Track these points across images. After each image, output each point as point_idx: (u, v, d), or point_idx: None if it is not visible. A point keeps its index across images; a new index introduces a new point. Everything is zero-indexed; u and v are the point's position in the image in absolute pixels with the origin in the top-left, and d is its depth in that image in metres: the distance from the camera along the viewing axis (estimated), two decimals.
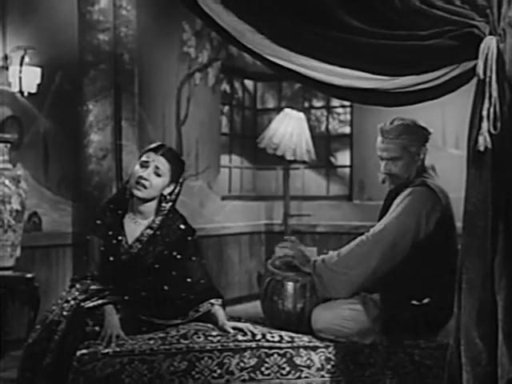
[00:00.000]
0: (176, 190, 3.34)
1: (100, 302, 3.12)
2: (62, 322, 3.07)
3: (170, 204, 3.33)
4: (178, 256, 3.31)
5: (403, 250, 3.18)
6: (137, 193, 3.25)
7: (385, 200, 3.44)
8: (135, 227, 3.32)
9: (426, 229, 3.19)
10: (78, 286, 3.21)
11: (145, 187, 3.23)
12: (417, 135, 3.32)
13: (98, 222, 3.32)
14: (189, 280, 3.31)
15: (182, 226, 3.35)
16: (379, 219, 3.33)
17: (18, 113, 5.46)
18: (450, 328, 2.54)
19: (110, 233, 3.29)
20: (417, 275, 3.18)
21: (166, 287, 3.28)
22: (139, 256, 3.26)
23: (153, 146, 3.33)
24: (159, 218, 3.31)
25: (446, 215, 3.23)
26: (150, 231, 3.30)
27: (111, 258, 3.27)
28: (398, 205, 3.24)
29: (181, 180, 3.35)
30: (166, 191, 3.30)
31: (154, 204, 3.31)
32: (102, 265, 3.27)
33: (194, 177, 7.35)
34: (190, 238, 3.35)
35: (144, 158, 3.27)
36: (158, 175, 3.25)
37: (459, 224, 2.43)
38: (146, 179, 3.22)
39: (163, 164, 3.26)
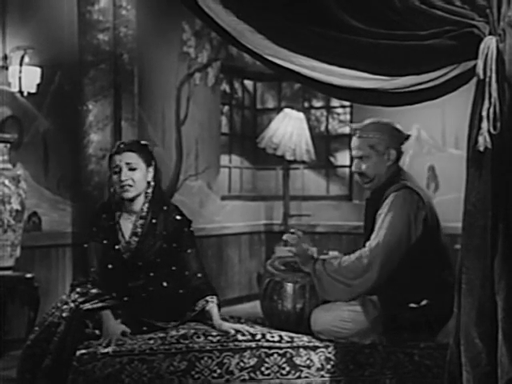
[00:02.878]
0: (155, 172, 3.37)
1: (99, 305, 3.13)
2: (61, 323, 3.09)
3: (153, 186, 3.35)
4: (179, 249, 3.33)
5: (400, 256, 3.19)
6: (127, 195, 3.29)
7: (365, 209, 3.44)
8: (131, 225, 3.34)
9: (416, 230, 3.20)
10: (78, 289, 3.23)
11: (130, 186, 3.27)
12: (387, 135, 3.33)
13: (94, 229, 3.35)
14: (186, 273, 3.32)
15: (178, 217, 3.38)
16: (364, 228, 3.34)
17: (17, 113, 5.46)
18: (450, 328, 2.54)
19: (108, 237, 3.32)
20: (411, 277, 3.19)
21: (165, 283, 3.29)
22: (139, 251, 3.28)
23: (113, 150, 3.35)
24: (146, 204, 3.34)
25: (429, 213, 3.25)
26: (142, 221, 3.33)
27: (112, 262, 3.29)
28: (386, 214, 3.22)
29: (153, 163, 3.36)
30: (149, 177, 3.34)
31: (142, 197, 3.34)
32: (102, 269, 3.29)
33: (193, 177, 7.35)
34: (186, 229, 3.37)
35: (113, 165, 3.30)
36: (134, 169, 3.28)
37: (459, 224, 2.43)
38: (126, 179, 3.26)
39: (131, 157, 3.29)
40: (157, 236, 3.31)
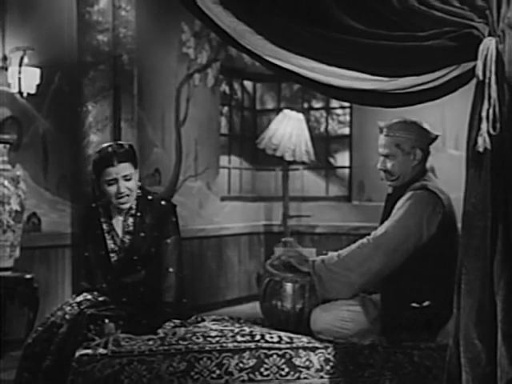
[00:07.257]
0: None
1: (104, 312, 3.13)
2: (63, 324, 3.09)
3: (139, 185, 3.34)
4: (161, 236, 3.33)
5: (405, 253, 3.16)
6: (124, 206, 3.28)
7: (385, 204, 3.43)
8: (122, 224, 3.36)
9: (428, 232, 3.18)
10: (85, 294, 3.25)
11: (128, 196, 3.26)
12: (414, 135, 3.30)
13: (90, 236, 3.35)
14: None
15: (163, 203, 3.37)
16: (381, 223, 3.32)
17: (17, 113, 5.46)
18: (450, 329, 2.54)
19: (104, 241, 3.32)
20: (419, 277, 3.17)
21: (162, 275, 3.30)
22: (134, 247, 3.29)
23: (106, 160, 3.22)
24: (135, 202, 3.33)
25: (447, 217, 3.22)
26: (132, 219, 3.33)
27: (111, 265, 3.31)
28: (399, 209, 3.22)
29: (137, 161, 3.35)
30: (137, 178, 3.33)
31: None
32: (104, 275, 3.31)
33: (193, 178, 7.35)
34: (170, 215, 3.35)
35: (108, 178, 3.22)
36: (130, 179, 3.25)
37: (459, 225, 2.43)
38: (124, 191, 3.24)
39: (127, 168, 3.24)
40: (146, 227, 3.31)
